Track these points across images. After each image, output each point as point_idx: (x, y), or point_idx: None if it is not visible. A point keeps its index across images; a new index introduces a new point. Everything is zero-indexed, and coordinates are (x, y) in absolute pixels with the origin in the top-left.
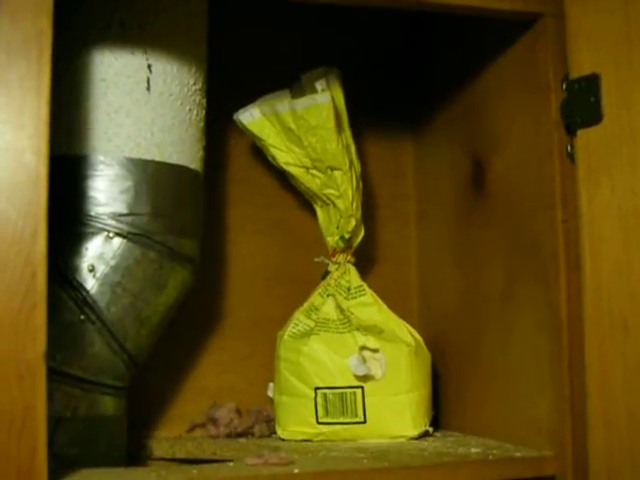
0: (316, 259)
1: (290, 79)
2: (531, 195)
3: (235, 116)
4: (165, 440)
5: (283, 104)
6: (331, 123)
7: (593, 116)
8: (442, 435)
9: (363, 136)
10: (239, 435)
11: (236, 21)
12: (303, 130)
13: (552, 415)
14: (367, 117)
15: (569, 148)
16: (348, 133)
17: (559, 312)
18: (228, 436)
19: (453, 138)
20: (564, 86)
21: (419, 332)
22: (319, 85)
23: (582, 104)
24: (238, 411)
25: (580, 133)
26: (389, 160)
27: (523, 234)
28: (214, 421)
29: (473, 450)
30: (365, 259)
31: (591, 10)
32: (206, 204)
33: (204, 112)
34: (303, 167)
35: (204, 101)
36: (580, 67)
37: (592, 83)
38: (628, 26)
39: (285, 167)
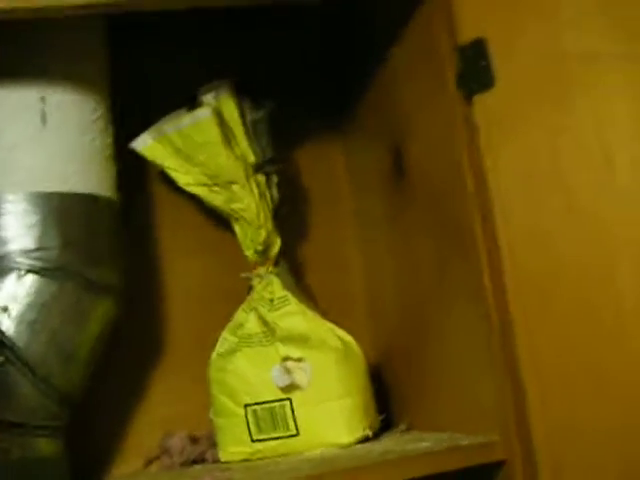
0: (242, 275)
1: None
2: (444, 174)
3: (130, 145)
4: (119, 478)
5: (169, 125)
6: (216, 137)
7: (486, 80)
8: (399, 435)
9: (293, 143)
10: (194, 462)
11: (145, 45)
12: (191, 148)
13: (495, 399)
14: (295, 124)
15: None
16: (244, 144)
17: (485, 292)
18: (183, 464)
19: (376, 131)
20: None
21: (367, 334)
22: (206, 100)
23: (475, 70)
24: (191, 438)
25: (476, 99)
26: (320, 163)
27: (445, 215)
28: (167, 451)
29: (423, 444)
30: (305, 266)
31: None
32: (133, 229)
33: (110, 139)
34: (204, 185)
35: (110, 127)
36: (468, 33)
37: (480, 47)
38: None
39: (187, 188)
